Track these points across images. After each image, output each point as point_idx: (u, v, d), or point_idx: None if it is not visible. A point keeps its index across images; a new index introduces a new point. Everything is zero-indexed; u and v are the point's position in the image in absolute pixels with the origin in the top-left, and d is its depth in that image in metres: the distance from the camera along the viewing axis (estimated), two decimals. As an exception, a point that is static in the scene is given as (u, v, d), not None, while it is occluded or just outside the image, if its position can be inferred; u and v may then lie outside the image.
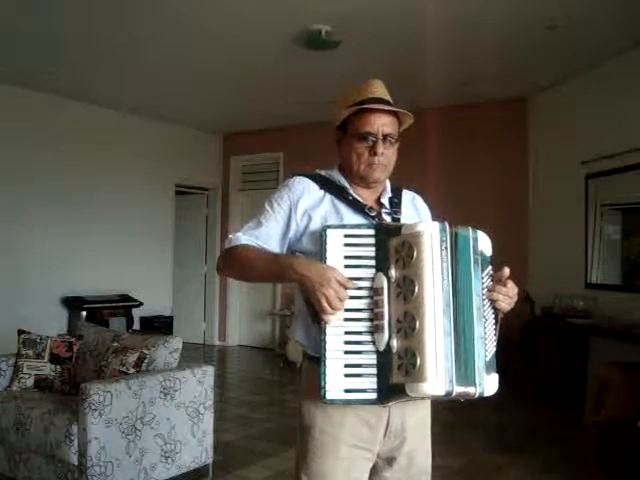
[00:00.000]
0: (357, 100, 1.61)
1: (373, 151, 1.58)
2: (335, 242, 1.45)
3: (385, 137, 1.59)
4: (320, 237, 1.46)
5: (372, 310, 1.44)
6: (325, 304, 1.38)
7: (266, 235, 1.60)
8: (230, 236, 1.62)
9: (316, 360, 1.50)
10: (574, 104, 5.48)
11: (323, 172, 1.70)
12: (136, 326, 6.91)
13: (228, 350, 8.18)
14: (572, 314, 4.97)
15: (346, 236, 1.46)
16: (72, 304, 6.39)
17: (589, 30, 4.37)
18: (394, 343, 1.39)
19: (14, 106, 6.01)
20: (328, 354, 1.42)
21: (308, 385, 1.57)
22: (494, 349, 1.43)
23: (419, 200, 1.80)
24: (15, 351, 3.58)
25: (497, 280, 1.48)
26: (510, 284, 1.49)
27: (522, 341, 5.27)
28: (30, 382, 3.48)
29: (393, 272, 1.41)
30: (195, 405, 3.28)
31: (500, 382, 1.42)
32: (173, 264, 7.91)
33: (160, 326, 7.11)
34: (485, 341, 1.41)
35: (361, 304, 1.45)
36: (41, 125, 6.23)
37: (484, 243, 1.46)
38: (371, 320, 1.44)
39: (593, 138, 5.18)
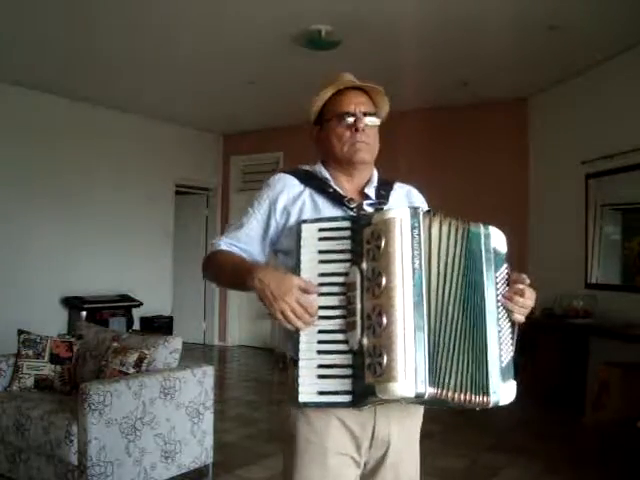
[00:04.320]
0: (329, 89, 1.59)
1: (354, 128, 1.54)
2: (309, 237, 1.38)
3: (364, 115, 1.56)
4: (296, 233, 1.41)
5: (346, 307, 1.34)
6: (289, 314, 1.29)
7: (246, 236, 1.57)
8: (213, 241, 1.60)
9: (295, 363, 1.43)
10: (574, 104, 5.48)
11: (307, 167, 1.65)
12: (136, 326, 6.90)
13: (228, 350, 8.18)
14: (572, 314, 4.96)
15: (321, 230, 1.38)
16: (72, 304, 6.39)
17: (589, 30, 4.37)
18: (364, 341, 1.28)
19: (14, 106, 6.00)
20: (302, 354, 1.34)
21: (291, 391, 1.46)
22: (510, 355, 1.35)
23: (415, 193, 1.72)
24: (15, 351, 3.58)
25: (514, 281, 1.40)
26: (528, 293, 1.39)
27: (523, 341, 5.27)
28: (30, 382, 3.48)
29: (365, 265, 1.31)
30: (195, 405, 3.28)
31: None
32: (173, 264, 7.90)
33: (160, 326, 7.11)
34: (500, 346, 1.34)
35: (335, 301, 1.34)
36: (41, 125, 6.22)
37: (497, 240, 1.39)
38: (344, 317, 1.33)
39: (593, 138, 5.17)
